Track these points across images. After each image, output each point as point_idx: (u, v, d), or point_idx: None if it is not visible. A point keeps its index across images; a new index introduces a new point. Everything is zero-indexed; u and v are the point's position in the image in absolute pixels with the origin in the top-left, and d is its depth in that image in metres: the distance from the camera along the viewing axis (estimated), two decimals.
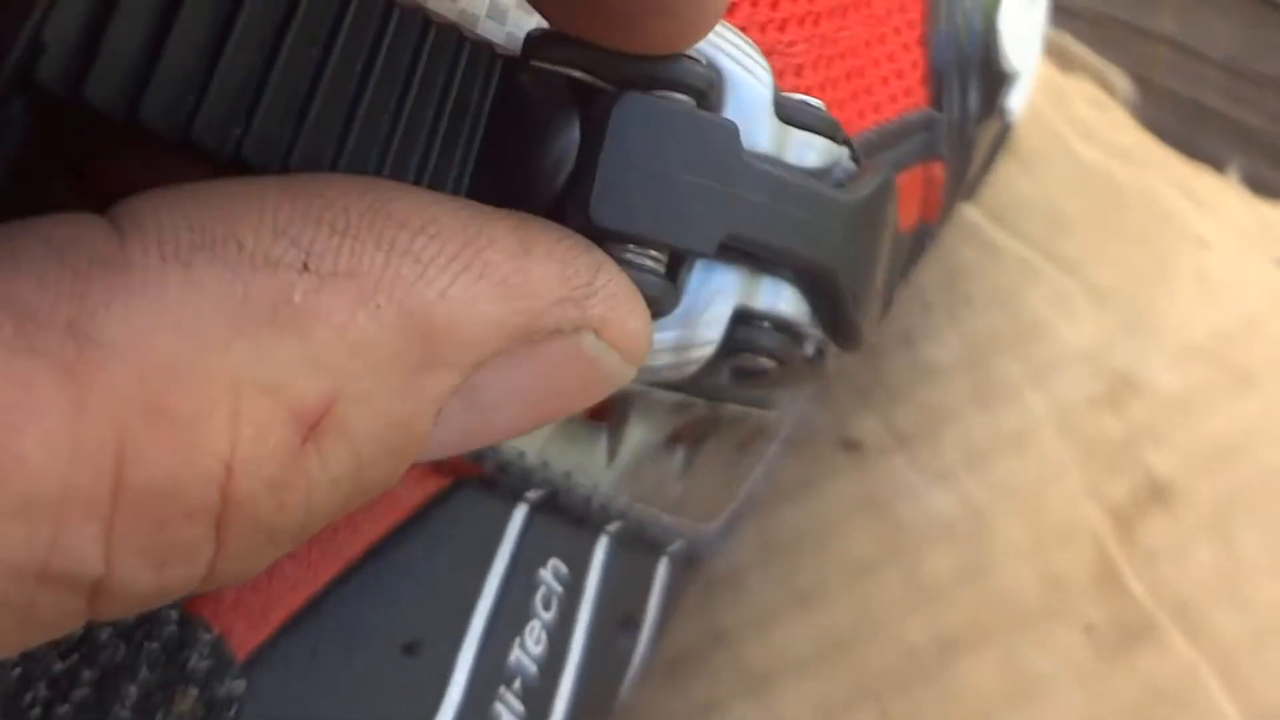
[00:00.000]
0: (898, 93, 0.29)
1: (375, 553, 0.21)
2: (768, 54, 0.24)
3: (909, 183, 0.30)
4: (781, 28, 0.26)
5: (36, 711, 0.18)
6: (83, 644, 0.19)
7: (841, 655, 0.33)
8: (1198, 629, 0.33)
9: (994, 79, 0.32)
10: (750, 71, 0.21)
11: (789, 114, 0.21)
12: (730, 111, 0.20)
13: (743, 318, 0.21)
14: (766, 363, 0.22)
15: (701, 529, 0.27)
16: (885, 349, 0.37)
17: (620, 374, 0.18)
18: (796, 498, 0.36)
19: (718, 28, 0.20)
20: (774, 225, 0.20)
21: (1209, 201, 0.41)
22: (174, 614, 0.19)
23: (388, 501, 0.21)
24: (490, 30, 0.20)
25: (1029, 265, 0.39)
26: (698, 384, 0.23)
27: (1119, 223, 0.40)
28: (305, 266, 0.15)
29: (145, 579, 0.14)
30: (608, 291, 0.18)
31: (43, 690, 0.19)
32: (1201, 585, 0.33)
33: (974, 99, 0.31)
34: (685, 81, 0.19)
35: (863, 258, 0.22)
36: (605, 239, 0.19)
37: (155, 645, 0.19)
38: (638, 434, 0.24)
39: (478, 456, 0.22)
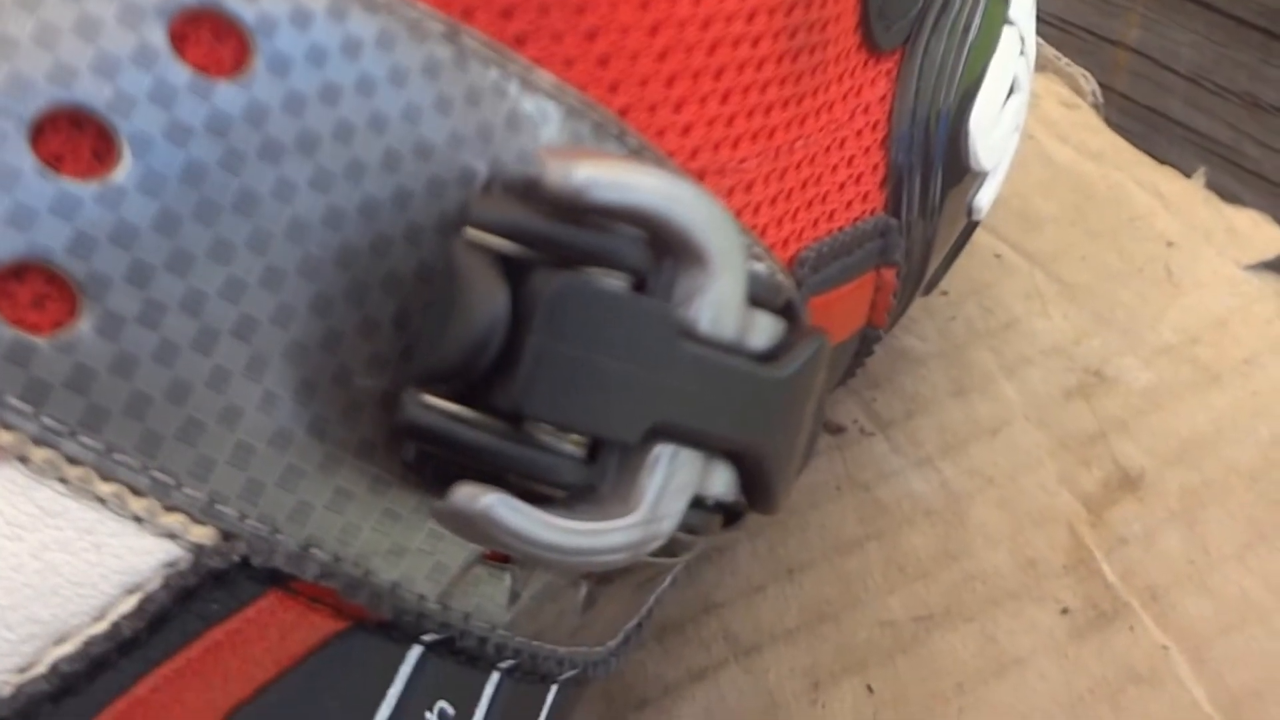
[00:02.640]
0: (854, 198, 0.29)
1: (265, 693, 0.21)
2: (719, 173, 0.24)
3: (858, 290, 0.30)
4: (735, 145, 0.25)
5: None
6: None
7: (826, 627, 0.33)
8: (1167, 614, 0.33)
9: (960, 179, 0.32)
10: (733, 259, 0.20)
11: (752, 294, 0.21)
12: (709, 299, 0.20)
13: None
14: (686, 537, 0.21)
15: (597, 652, 0.27)
16: None
17: None
18: None
19: (715, 202, 0.20)
20: (704, 411, 0.20)
21: (1177, 204, 0.42)
22: None
23: (282, 643, 0.21)
24: None
25: (1004, 260, 0.40)
26: None
27: (1090, 221, 0.41)
28: None
29: None
30: None
31: None
32: (1170, 572, 0.34)
33: (935, 200, 0.31)
34: (622, 260, 0.19)
35: (790, 430, 0.22)
36: (524, 421, 0.19)
37: None
38: (544, 577, 0.24)
39: (376, 601, 0.21)
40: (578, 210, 0.19)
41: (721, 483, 0.21)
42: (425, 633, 0.22)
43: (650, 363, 0.19)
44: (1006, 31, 0.32)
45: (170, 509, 0.20)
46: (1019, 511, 0.35)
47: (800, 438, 0.22)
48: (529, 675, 0.24)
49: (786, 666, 0.33)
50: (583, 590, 0.24)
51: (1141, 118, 0.51)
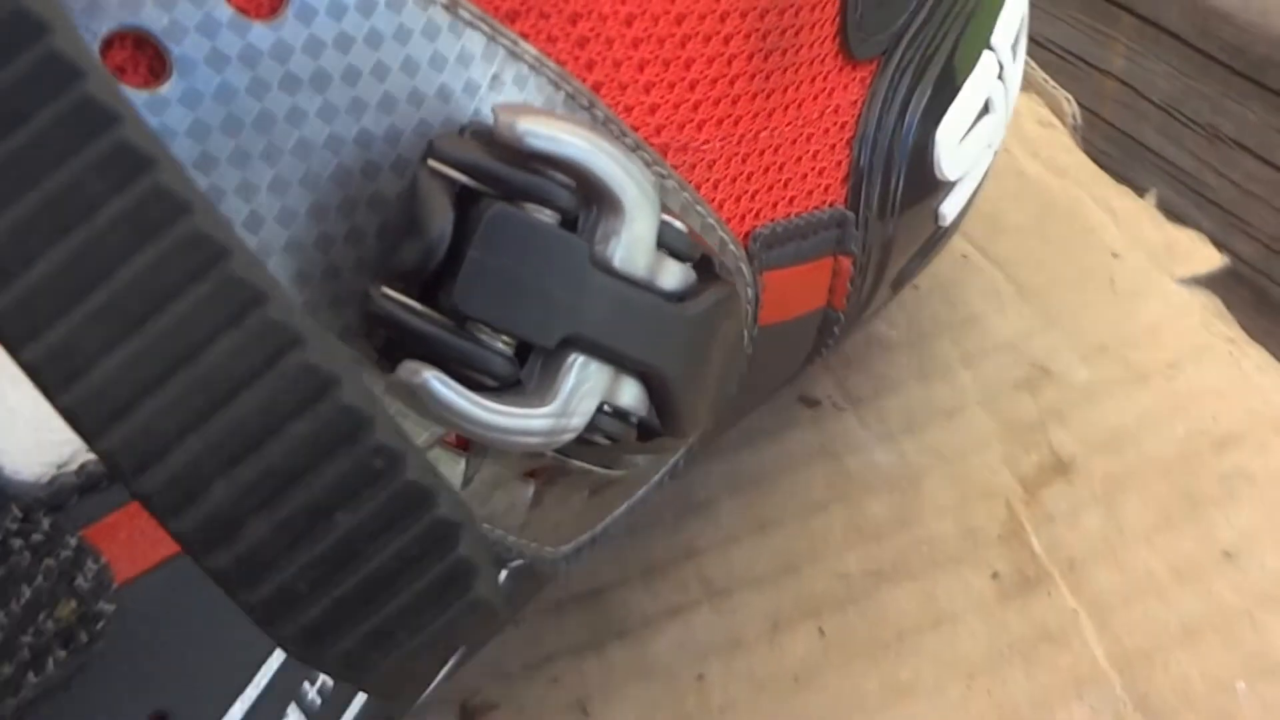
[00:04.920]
0: (815, 189, 0.31)
1: None
2: (682, 149, 0.27)
3: (814, 272, 0.32)
4: (699, 127, 0.28)
5: None
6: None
7: (789, 578, 0.36)
8: (1081, 583, 0.36)
9: (924, 186, 0.33)
10: (648, 211, 0.23)
11: (665, 241, 0.23)
12: (622, 239, 0.22)
13: (600, 409, 0.23)
14: (602, 440, 0.24)
15: (548, 551, 0.28)
16: None
17: None
18: (761, 443, 0.39)
19: (635, 162, 0.22)
20: (611, 331, 0.22)
21: (1126, 220, 0.44)
22: (72, 540, 0.22)
23: None
24: None
25: (970, 261, 0.42)
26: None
27: (1049, 230, 0.44)
28: None
29: None
30: None
31: None
32: (1088, 548, 0.36)
33: (895, 201, 0.33)
34: (552, 200, 0.22)
35: (693, 362, 0.24)
36: (466, 320, 0.21)
37: (52, 561, 0.21)
38: (493, 467, 0.25)
39: None
40: (520, 155, 0.22)
41: (630, 396, 0.23)
42: None
43: (565, 284, 0.22)
44: (986, 55, 0.34)
45: None
46: (965, 486, 0.37)
47: (706, 371, 0.24)
48: None
49: (751, 609, 0.35)
50: (530, 488, 0.26)
51: (1122, 144, 0.53)
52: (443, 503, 0.18)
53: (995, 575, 0.36)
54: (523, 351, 0.22)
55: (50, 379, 0.15)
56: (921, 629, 0.35)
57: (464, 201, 0.22)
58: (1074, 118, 0.47)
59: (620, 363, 0.23)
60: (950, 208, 0.35)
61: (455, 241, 0.21)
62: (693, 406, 0.24)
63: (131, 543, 0.21)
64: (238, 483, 0.16)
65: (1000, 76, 0.35)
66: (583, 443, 0.23)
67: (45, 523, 0.21)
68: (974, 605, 0.35)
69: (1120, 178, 0.46)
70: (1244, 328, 0.41)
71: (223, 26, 0.22)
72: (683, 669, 0.34)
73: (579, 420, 0.22)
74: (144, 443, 0.16)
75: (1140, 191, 0.45)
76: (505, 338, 0.22)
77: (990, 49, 0.34)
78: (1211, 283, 0.42)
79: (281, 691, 0.24)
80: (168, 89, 0.21)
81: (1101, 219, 0.44)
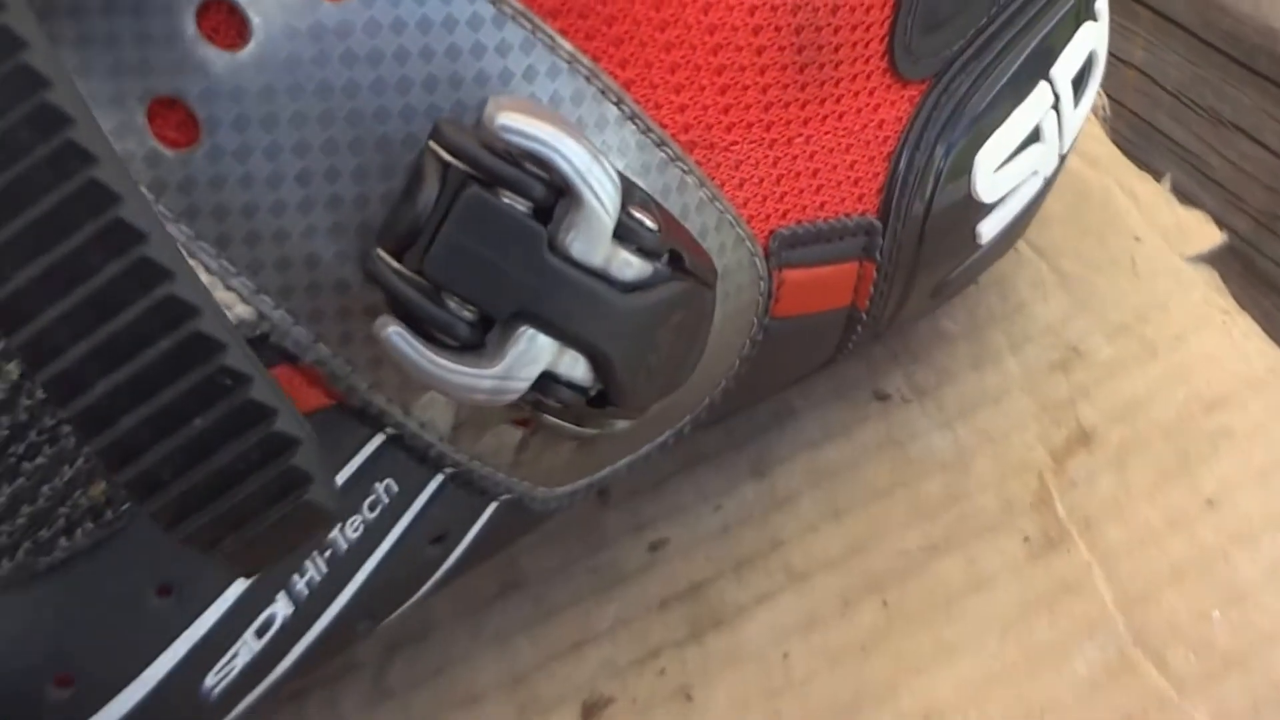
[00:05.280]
0: (848, 197, 0.31)
1: None
2: (709, 147, 0.27)
3: (839, 274, 0.32)
4: (728, 129, 0.28)
5: (11, 461, 0.23)
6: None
7: (857, 558, 0.36)
8: (1094, 539, 0.36)
9: (960, 205, 0.33)
10: (604, 208, 0.23)
11: (624, 234, 0.24)
12: (580, 232, 0.23)
13: (547, 376, 0.24)
14: (554, 404, 0.25)
15: (541, 491, 0.30)
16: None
17: None
18: (838, 439, 0.39)
19: (596, 159, 0.23)
20: (559, 311, 0.23)
21: (1146, 205, 0.44)
22: None
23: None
24: None
25: (1020, 253, 0.42)
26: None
27: (1085, 219, 0.44)
28: None
29: None
30: None
31: (20, 449, 0.24)
32: (1101, 507, 0.37)
33: (930, 218, 0.32)
34: (525, 190, 0.23)
35: (636, 346, 0.25)
36: (436, 286, 0.23)
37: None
38: (480, 412, 0.27)
39: (352, 394, 0.25)
40: (500, 145, 0.23)
41: (575, 369, 0.24)
42: (386, 427, 0.26)
43: (522, 265, 0.23)
44: (1041, 86, 0.34)
45: (227, 288, 0.24)
46: (1005, 463, 0.38)
47: (651, 355, 0.25)
48: (468, 486, 0.28)
49: (826, 589, 0.36)
50: (518, 434, 0.28)
51: (1142, 131, 0.52)
52: (282, 419, 0.20)
53: (1026, 539, 0.36)
54: (486, 319, 0.24)
55: None
56: (965, 594, 0.35)
57: (454, 180, 0.23)
58: (1104, 110, 0.47)
59: (566, 340, 0.24)
60: (989, 228, 0.35)
61: (442, 217, 0.23)
62: (636, 385, 0.25)
63: None
64: (113, 383, 0.19)
65: (1055, 108, 0.34)
66: (540, 405, 0.25)
67: None
68: (1008, 568, 0.36)
69: (1139, 162, 0.46)
70: (1234, 297, 0.42)
71: (297, 3, 0.23)
72: (770, 649, 0.35)
73: (519, 384, 0.24)
74: (42, 343, 0.19)
75: (1157, 176, 0.45)
76: (470, 309, 0.23)
77: (1048, 80, 0.34)
78: (1210, 258, 0.43)
79: (274, 579, 0.26)
80: (246, 53, 0.23)
81: (1126, 204, 0.44)
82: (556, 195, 0.23)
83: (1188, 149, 0.54)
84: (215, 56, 0.23)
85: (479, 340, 0.23)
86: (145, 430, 0.20)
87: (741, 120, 0.28)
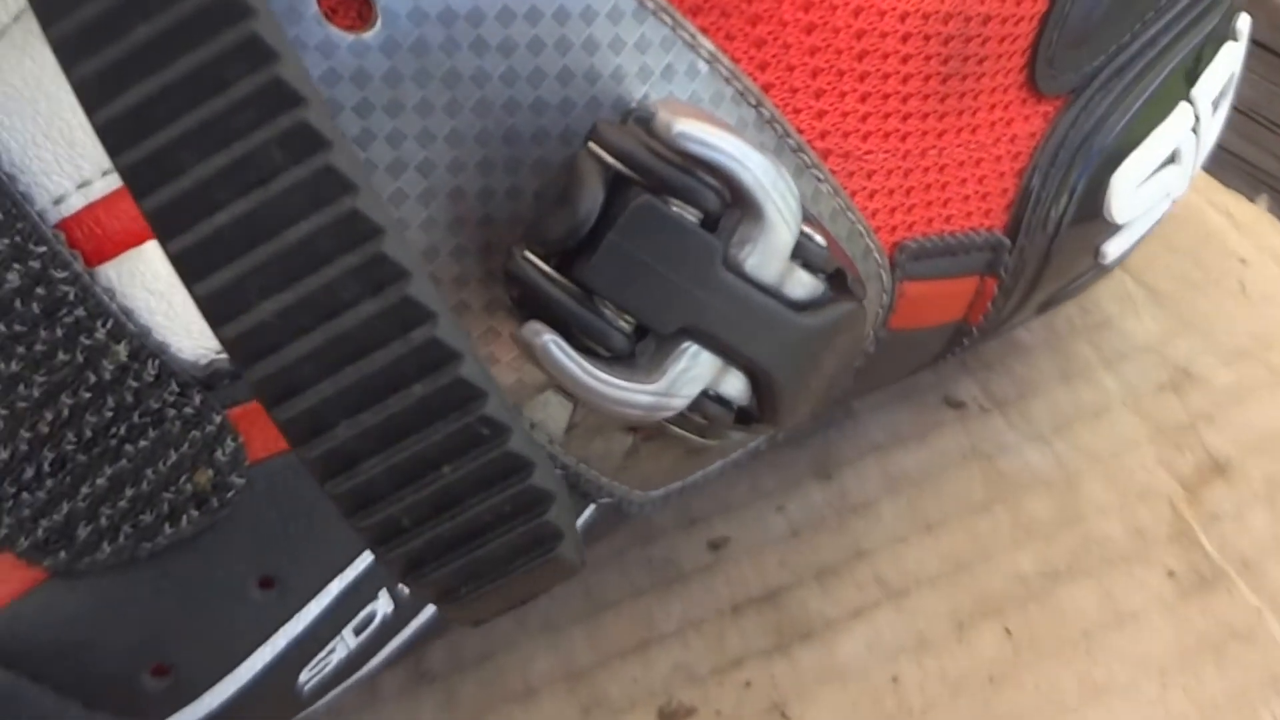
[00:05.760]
0: (975, 211, 0.30)
1: None
2: (844, 156, 0.26)
3: (959, 289, 0.31)
4: (864, 138, 0.27)
5: (113, 443, 0.22)
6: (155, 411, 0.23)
7: (964, 577, 0.34)
8: (1259, 581, 0.34)
9: (1090, 224, 0.32)
10: (786, 224, 0.22)
11: (800, 254, 0.23)
12: (758, 246, 0.22)
13: (701, 392, 0.23)
14: (700, 420, 0.23)
15: (636, 494, 0.28)
16: None
17: None
18: (911, 444, 0.37)
19: (784, 176, 0.22)
20: (728, 328, 0.22)
21: (1247, 227, 0.42)
22: (217, 418, 0.23)
23: None
24: None
25: None
26: None
27: (1170, 237, 0.41)
28: None
29: None
30: None
31: (122, 430, 0.22)
32: (1260, 546, 0.35)
33: (1059, 237, 0.31)
34: (698, 200, 0.21)
35: (802, 368, 0.23)
36: (595, 294, 0.22)
37: (198, 434, 0.22)
38: (597, 416, 0.25)
39: None
40: (673, 152, 0.21)
41: (734, 387, 0.23)
42: None
43: (693, 279, 0.21)
44: (1182, 106, 0.32)
45: None
46: (1123, 486, 0.36)
47: (813, 377, 0.24)
48: (571, 488, 0.27)
49: (932, 609, 0.34)
50: (629, 440, 0.26)
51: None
52: (538, 474, 0.19)
53: (1170, 574, 0.34)
54: (641, 329, 0.22)
55: (214, 313, 0.17)
56: (1106, 627, 0.33)
57: (616, 184, 0.22)
58: None
59: (731, 358, 0.23)
60: (1114, 248, 0.34)
61: (600, 221, 0.22)
62: (793, 404, 0.24)
63: (267, 427, 0.22)
64: (360, 426, 0.18)
65: (1194, 129, 0.33)
66: (682, 417, 0.23)
67: (197, 399, 0.22)
68: (1155, 604, 0.34)
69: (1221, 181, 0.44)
70: None
71: None
72: (874, 670, 0.33)
73: (680, 402, 0.22)
74: (285, 380, 0.17)
75: (1250, 197, 0.43)
76: (627, 318, 0.22)
77: (1189, 101, 0.32)
78: None
79: (377, 577, 0.25)
80: (371, 35, 0.22)
81: (1220, 224, 0.42)
82: (725, 206, 0.22)
83: (1260, 167, 0.52)
84: (337, 38, 0.21)
85: (631, 350, 0.22)
86: (390, 477, 0.18)
87: (878, 129, 0.27)
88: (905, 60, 0.26)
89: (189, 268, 0.16)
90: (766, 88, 0.25)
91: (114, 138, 0.16)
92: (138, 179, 0.16)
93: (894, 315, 0.29)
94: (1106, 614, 0.33)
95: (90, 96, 0.16)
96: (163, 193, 0.16)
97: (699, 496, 0.33)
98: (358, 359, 0.17)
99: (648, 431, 0.26)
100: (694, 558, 0.35)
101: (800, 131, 0.25)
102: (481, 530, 0.19)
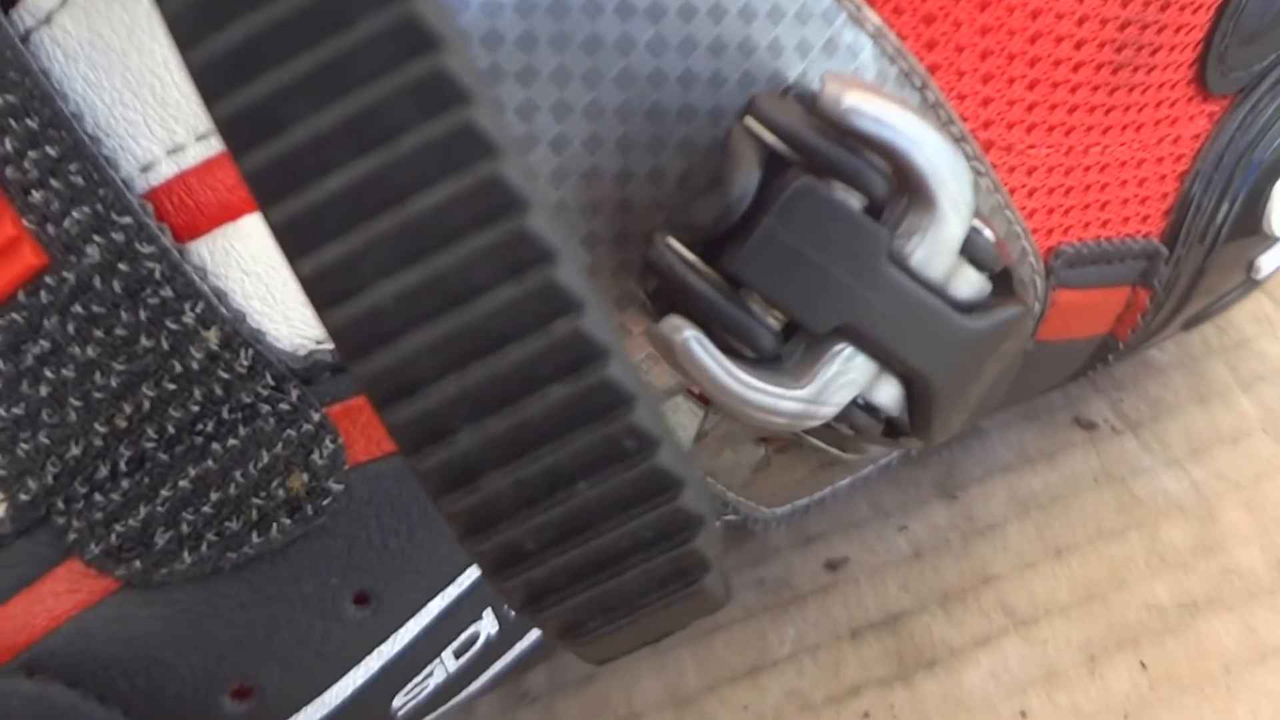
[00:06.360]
0: (1133, 216, 0.27)
1: None
2: (1006, 149, 0.23)
3: (1109, 299, 0.28)
4: (1029, 129, 0.24)
5: (199, 440, 0.19)
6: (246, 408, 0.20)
7: (1096, 606, 0.31)
8: None
9: (1247, 235, 0.29)
10: (959, 216, 0.19)
11: (968, 249, 0.20)
12: (926, 239, 0.19)
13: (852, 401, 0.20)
14: (847, 431, 0.21)
15: (762, 511, 0.26)
16: None
17: None
18: (1040, 465, 0.34)
19: (960, 159, 0.19)
20: (889, 330, 0.19)
21: None
22: (316, 415, 0.20)
23: None
24: None
25: None
26: None
27: None
28: None
29: None
30: None
31: (209, 426, 0.20)
32: None
33: (1217, 247, 0.28)
34: (865, 184, 0.19)
35: (964, 375, 0.21)
36: (741, 287, 0.19)
37: (293, 433, 0.20)
38: (729, 425, 0.23)
39: None
40: (840, 131, 0.19)
41: (888, 396, 0.20)
42: None
43: (855, 273, 0.19)
44: None
45: None
46: (1266, 515, 0.33)
47: (974, 386, 0.21)
48: None
49: (1063, 639, 0.31)
50: (760, 452, 0.24)
51: None
52: (688, 495, 0.15)
53: None
54: (789, 327, 0.20)
55: (321, 295, 0.13)
56: (1248, 663, 0.30)
57: (771, 166, 0.19)
58: None
59: (888, 362, 0.20)
60: (1269, 262, 0.30)
61: (753, 206, 0.19)
62: (949, 416, 0.21)
63: (371, 428, 0.20)
64: (485, 433, 0.14)
65: None
66: (824, 427, 0.21)
67: (294, 394, 0.20)
68: None
69: None
70: None
71: None
72: (1001, 703, 0.29)
73: (829, 410, 0.20)
74: (400, 376, 0.14)
75: None
76: (777, 313, 0.19)
77: None
78: None
79: (482, 595, 0.23)
80: None
81: None
82: (892, 192, 0.19)
83: None
84: None
85: (778, 352, 0.19)
86: (516, 493, 0.15)
87: (1043, 122, 0.23)
88: (1079, 46, 0.23)
89: (294, 239, 0.13)
90: (933, 69, 0.22)
91: (212, 81, 0.13)
92: (238, 131, 0.13)
93: (1043, 325, 0.26)
94: (1248, 649, 0.30)
95: (185, 32, 0.13)
96: (267, 148, 0.13)
97: (816, 513, 0.30)
98: (488, 354, 0.14)
99: (781, 442, 0.23)
100: (810, 578, 0.32)
101: (964, 119, 0.22)
102: (617, 558, 0.16)
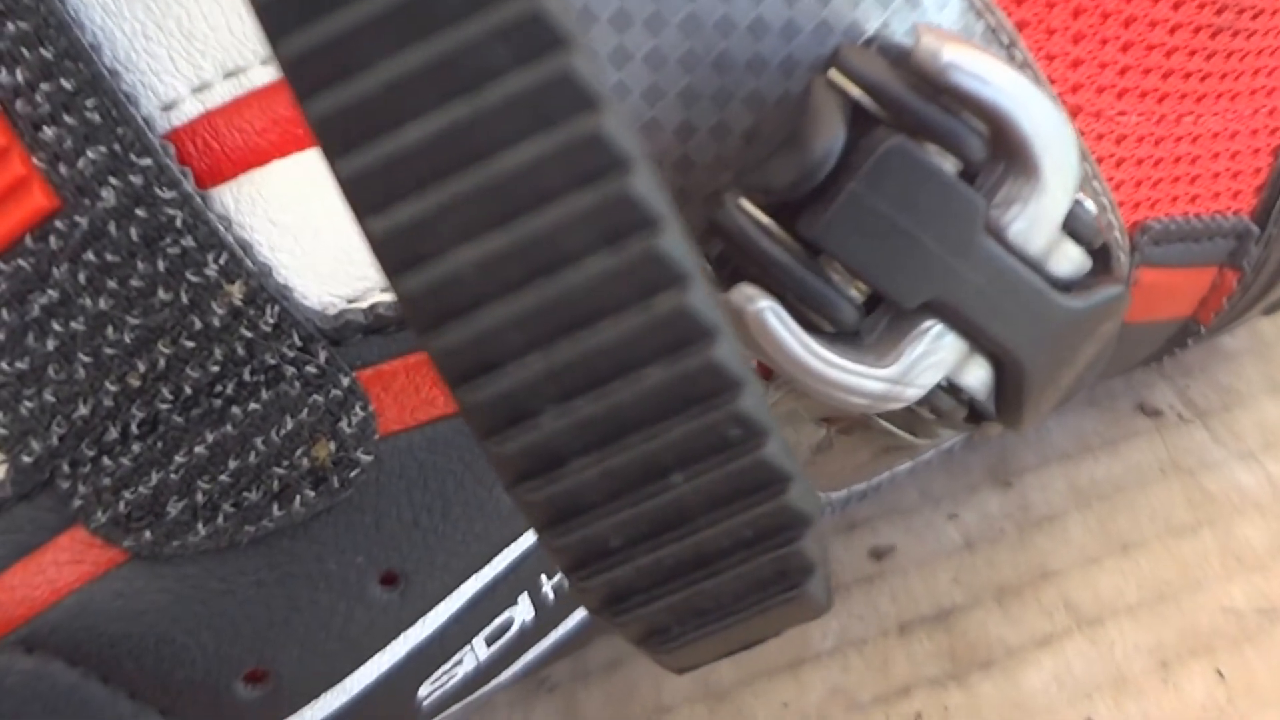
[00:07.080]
0: (1223, 192, 0.25)
1: None
2: (1094, 115, 0.22)
3: (1195, 279, 0.26)
4: (1120, 95, 0.22)
5: (218, 403, 0.18)
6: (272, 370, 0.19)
7: (1168, 608, 0.30)
8: None
9: None
10: (1063, 186, 0.18)
11: (1069, 223, 0.19)
12: (1026, 210, 0.18)
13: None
14: (928, 414, 0.20)
15: (820, 495, 0.25)
16: None
17: None
18: (1101, 454, 0.32)
19: (1068, 125, 0.18)
20: (982, 307, 0.18)
21: None
22: (345, 380, 0.18)
23: None
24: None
25: None
26: None
27: None
28: None
29: None
30: None
31: (229, 388, 0.18)
32: None
33: None
34: (961, 147, 0.17)
35: (1059, 358, 0.20)
36: (820, 255, 0.18)
37: (320, 398, 0.18)
38: (791, 404, 0.22)
39: None
40: (935, 87, 0.17)
41: (976, 378, 0.19)
42: None
43: (948, 244, 0.18)
44: None
45: None
46: None
47: (1067, 370, 0.20)
48: None
49: (1132, 642, 0.29)
50: (822, 432, 0.23)
51: None
52: (795, 490, 0.14)
53: None
54: (871, 301, 0.18)
55: (393, 259, 0.12)
56: None
57: (856, 124, 0.18)
58: None
59: (979, 342, 0.19)
60: None
61: (836, 167, 0.17)
62: (1039, 401, 0.20)
63: (405, 395, 0.18)
64: (573, 417, 0.13)
65: None
66: (903, 409, 0.19)
67: (322, 356, 0.18)
68: None
69: None
70: None
71: None
72: (1065, 709, 0.28)
73: (915, 392, 0.18)
74: (480, 351, 0.12)
75: None
76: (860, 284, 0.18)
77: None
78: None
79: (518, 579, 0.21)
80: None
81: None
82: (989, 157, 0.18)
83: None
84: None
85: (858, 327, 0.18)
86: (603, 483, 0.13)
87: (1136, 88, 0.22)
88: (1177, 6, 0.22)
89: (365, 195, 0.12)
90: (1021, 25, 0.20)
91: (278, 15, 0.11)
92: (306, 72, 0.12)
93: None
94: None
95: None
96: (339, 92, 0.11)
97: (859, 498, 0.29)
98: (579, 329, 0.12)
99: (846, 423, 0.22)
100: (855, 567, 0.30)
101: (1052, 81, 0.21)
102: (712, 558, 0.14)
